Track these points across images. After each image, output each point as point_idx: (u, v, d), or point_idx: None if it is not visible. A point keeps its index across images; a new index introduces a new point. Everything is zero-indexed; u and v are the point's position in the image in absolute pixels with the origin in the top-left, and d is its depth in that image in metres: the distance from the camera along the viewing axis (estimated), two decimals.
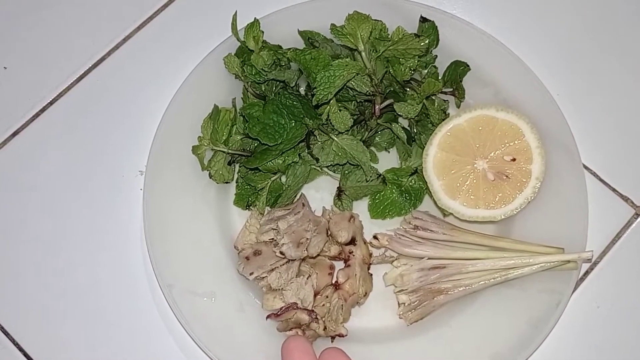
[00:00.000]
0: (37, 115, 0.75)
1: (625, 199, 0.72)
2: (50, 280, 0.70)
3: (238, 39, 0.69)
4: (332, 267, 0.67)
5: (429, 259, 0.65)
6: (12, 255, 0.71)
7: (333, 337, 0.64)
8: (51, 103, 0.75)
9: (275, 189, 0.68)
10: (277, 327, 0.64)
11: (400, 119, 0.70)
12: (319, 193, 0.71)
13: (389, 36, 0.67)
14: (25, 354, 0.68)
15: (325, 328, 0.63)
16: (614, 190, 0.72)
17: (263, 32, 0.68)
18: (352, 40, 0.65)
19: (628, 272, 0.70)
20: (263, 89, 0.69)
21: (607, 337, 0.68)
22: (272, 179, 0.68)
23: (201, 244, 0.67)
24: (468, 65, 0.70)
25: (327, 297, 0.64)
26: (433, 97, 0.69)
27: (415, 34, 0.66)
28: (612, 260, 0.70)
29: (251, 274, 0.64)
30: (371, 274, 0.67)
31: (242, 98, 0.70)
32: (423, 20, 0.70)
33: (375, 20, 0.67)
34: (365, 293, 0.66)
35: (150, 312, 0.68)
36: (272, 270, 0.65)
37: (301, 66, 0.65)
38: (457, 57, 0.70)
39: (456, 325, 0.65)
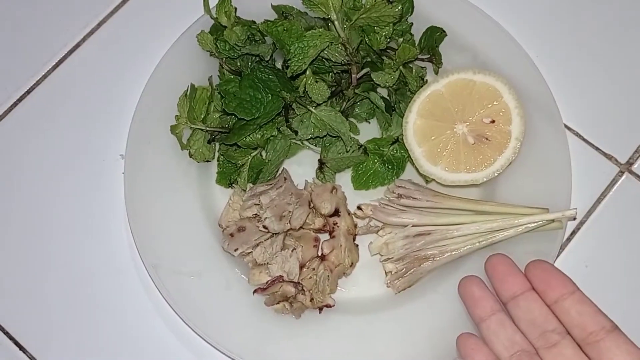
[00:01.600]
0: (14, 105, 0.75)
1: (609, 157, 0.71)
2: (35, 267, 0.70)
3: (211, 16, 0.68)
4: (317, 240, 0.66)
5: (413, 226, 0.65)
6: None
7: (321, 308, 0.64)
8: (28, 92, 0.75)
9: (256, 165, 0.68)
10: (265, 301, 0.64)
11: (378, 89, 0.69)
12: (301, 168, 0.71)
13: (362, 5, 0.66)
14: (11, 338, 0.68)
15: (312, 300, 0.63)
16: (597, 149, 0.72)
17: (235, 8, 0.68)
18: (324, 10, 0.64)
19: (615, 230, 0.70)
20: (238, 64, 0.69)
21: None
22: (253, 154, 0.68)
23: (185, 223, 0.67)
24: (444, 31, 0.69)
25: (313, 269, 0.64)
26: (410, 65, 0.69)
27: (388, 0, 0.65)
28: (598, 219, 0.70)
29: (236, 250, 0.64)
30: (357, 245, 0.67)
31: (218, 76, 0.70)
32: None
33: None
34: (352, 263, 0.66)
35: (138, 294, 0.68)
36: (257, 245, 0.65)
37: (274, 38, 0.64)
38: (433, 23, 0.70)
39: (444, 291, 0.65)
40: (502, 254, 0.59)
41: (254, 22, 0.69)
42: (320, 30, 0.64)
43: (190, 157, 0.68)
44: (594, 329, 0.53)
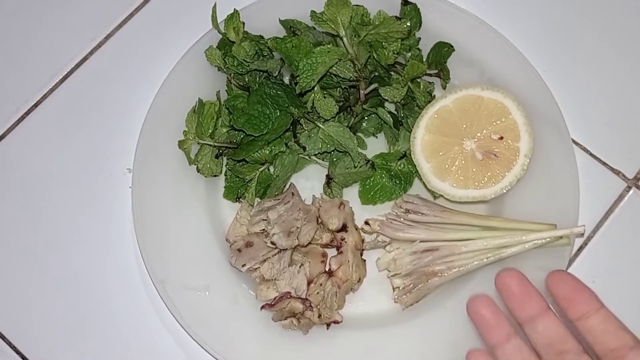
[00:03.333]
0: (22, 118, 0.75)
1: (617, 172, 0.71)
2: (42, 281, 0.70)
3: (219, 31, 0.69)
4: (324, 255, 0.66)
5: (421, 241, 0.65)
6: (1, 257, 0.70)
7: (328, 324, 0.64)
8: (36, 105, 0.75)
9: (264, 179, 0.68)
10: (272, 317, 0.64)
11: (386, 104, 0.69)
12: (309, 182, 0.71)
13: (371, 20, 0.67)
14: (18, 352, 0.68)
15: (320, 316, 0.63)
16: (604, 164, 0.72)
17: (244, 23, 0.68)
18: (333, 26, 0.64)
19: (622, 245, 0.70)
20: (246, 80, 0.69)
21: None
22: (261, 169, 0.68)
23: (192, 238, 0.67)
24: (452, 46, 0.69)
25: (320, 284, 0.64)
26: (418, 80, 0.68)
27: (396, 16, 0.65)
28: (605, 234, 0.70)
29: (243, 265, 0.64)
30: (364, 260, 0.67)
31: (226, 90, 0.70)
32: (405, 2, 0.69)
33: (356, 5, 0.66)
34: (359, 279, 0.66)
35: (145, 309, 0.68)
36: (264, 260, 0.65)
37: (283, 55, 0.64)
38: (440, 38, 0.70)
39: (452, 306, 0.65)
40: (512, 269, 0.54)
41: (262, 37, 0.69)
42: (329, 46, 0.64)
43: (198, 172, 0.68)
44: (616, 346, 0.51)
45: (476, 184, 0.66)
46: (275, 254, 0.64)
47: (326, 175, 0.69)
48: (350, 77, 0.66)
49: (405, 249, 0.65)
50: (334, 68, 0.65)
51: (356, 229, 0.67)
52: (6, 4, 0.78)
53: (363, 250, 0.67)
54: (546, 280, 0.53)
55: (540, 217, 0.65)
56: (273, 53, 0.68)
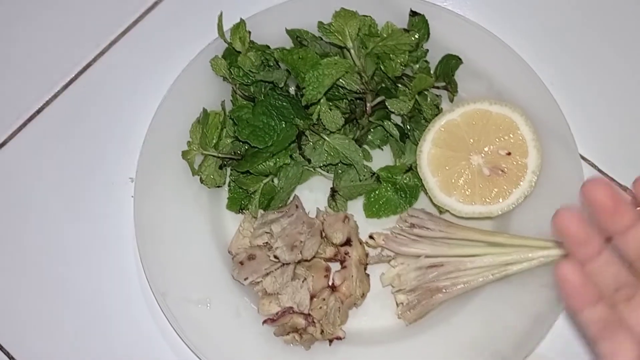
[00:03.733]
0: (24, 124, 0.74)
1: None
2: (42, 291, 0.69)
3: (225, 41, 0.68)
4: (327, 269, 0.66)
5: (426, 257, 0.64)
6: (2, 265, 0.70)
7: (331, 340, 0.63)
8: (38, 112, 0.74)
9: (267, 191, 0.67)
10: (274, 331, 0.63)
11: (392, 116, 0.69)
12: (313, 193, 0.70)
13: (379, 32, 0.66)
14: None
15: (322, 331, 0.62)
16: (612, 180, 0.71)
17: (250, 32, 0.67)
18: (340, 38, 0.63)
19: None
20: (252, 90, 0.68)
21: None
22: (265, 181, 0.67)
23: (194, 249, 0.66)
24: (460, 59, 0.68)
25: (323, 299, 0.63)
26: (425, 92, 0.68)
27: (404, 28, 0.64)
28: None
29: (246, 279, 0.64)
30: (368, 275, 0.66)
31: (231, 100, 0.69)
32: (413, 14, 0.69)
33: (364, 16, 0.66)
34: (363, 294, 0.65)
35: (146, 321, 0.67)
36: (267, 274, 0.64)
37: (289, 66, 0.64)
38: (448, 50, 0.69)
39: (456, 323, 0.64)
40: (601, 179, 0.49)
41: (268, 46, 0.68)
42: (336, 58, 0.63)
43: (202, 182, 0.67)
44: None
45: (483, 199, 0.65)
46: (278, 268, 0.64)
47: (331, 188, 0.68)
48: (357, 89, 0.65)
49: (409, 264, 0.65)
50: (341, 80, 0.64)
51: (360, 243, 0.66)
52: (8, 9, 0.78)
53: (367, 264, 0.66)
54: (634, 186, 0.50)
55: (547, 233, 0.64)
56: (279, 63, 0.67)
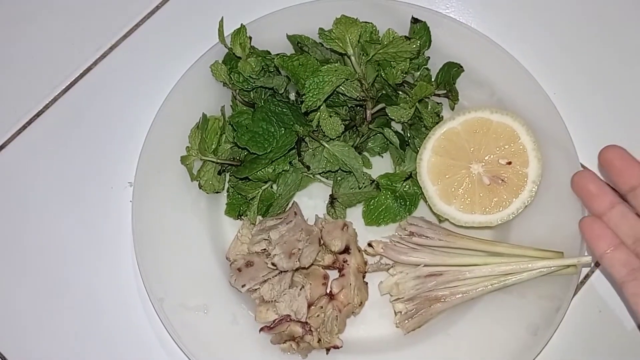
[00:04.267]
0: (23, 128, 0.74)
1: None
2: (39, 295, 0.69)
3: (225, 46, 0.68)
4: (326, 277, 0.65)
5: (425, 266, 0.64)
6: (1, 269, 0.69)
7: (328, 349, 0.63)
8: (37, 115, 0.74)
9: (266, 198, 0.67)
10: (271, 339, 0.63)
11: (393, 123, 0.68)
12: (312, 200, 0.70)
13: (380, 38, 0.65)
14: None
15: (319, 340, 0.62)
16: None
17: (251, 37, 0.67)
18: (341, 45, 0.63)
19: None
20: (252, 96, 0.68)
21: (610, 343, 0.66)
22: (263, 187, 0.67)
23: (192, 255, 0.66)
24: (461, 66, 0.68)
25: (321, 307, 0.63)
26: (426, 100, 0.67)
27: (405, 36, 0.64)
28: None
29: (243, 286, 0.63)
30: (366, 283, 0.66)
31: (231, 106, 0.69)
32: (414, 21, 0.68)
33: (365, 22, 0.65)
34: (361, 302, 0.64)
35: (143, 326, 0.67)
36: (265, 281, 0.63)
37: (289, 73, 0.63)
38: (450, 57, 0.69)
39: (454, 333, 0.64)
40: (616, 146, 0.60)
41: (268, 52, 0.68)
42: (336, 65, 0.63)
43: (200, 188, 0.67)
44: None
45: (483, 208, 0.64)
46: (275, 275, 0.63)
47: (330, 195, 0.67)
48: (357, 96, 0.65)
49: (408, 272, 0.64)
50: (341, 87, 0.64)
51: (359, 251, 0.66)
52: (9, 12, 0.78)
53: (365, 272, 0.66)
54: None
55: (546, 243, 0.64)
56: (279, 69, 0.67)
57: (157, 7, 0.77)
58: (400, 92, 0.67)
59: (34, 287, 0.69)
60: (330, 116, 0.65)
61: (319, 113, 0.64)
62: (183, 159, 0.66)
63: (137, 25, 0.76)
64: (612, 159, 0.59)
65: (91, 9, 0.77)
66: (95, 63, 0.75)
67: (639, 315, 0.56)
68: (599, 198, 0.59)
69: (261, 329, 0.63)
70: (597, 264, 0.66)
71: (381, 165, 0.70)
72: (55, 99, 0.75)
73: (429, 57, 0.69)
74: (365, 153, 0.70)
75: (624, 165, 0.59)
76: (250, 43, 0.66)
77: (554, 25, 0.76)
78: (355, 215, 0.68)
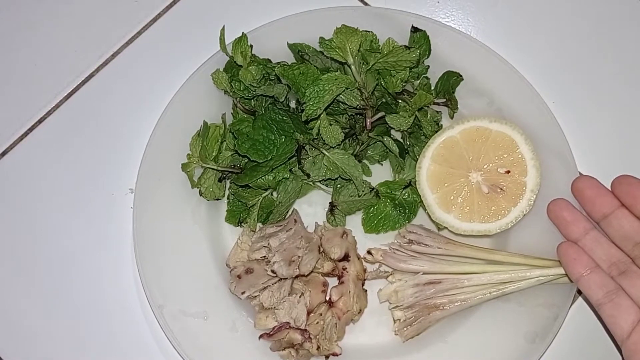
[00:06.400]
0: (25, 134, 0.74)
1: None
2: (41, 301, 0.69)
3: (226, 54, 0.68)
4: (325, 284, 0.66)
5: (424, 273, 0.64)
6: (1, 274, 0.70)
7: (327, 357, 0.63)
8: (40, 122, 0.74)
9: (266, 205, 0.67)
10: (270, 346, 0.63)
11: (392, 131, 0.69)
12: (312, 207, 0.70)
13: (380, 47, 0.66)
14: None
15: (318, 347, 0.62)
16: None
17: (252, 46, 0.67)
18: (341, 54, 0.64)
19: None
20: (252, 104, 0.68)
21: (609, 352, 0.66)
22: (264, 195, 0.67)
23: (192, 262, 0.66)
24: (461, 75, 0.69)
25: (320, 314, 0.63)
26: (425, 109, 0.68)
27: (405, 45, 0.65)
28: None
29: (243, 293, 0.63)
30: (365, 290, 0.66)
31: (231, 114, 0.69)
32: (414, 30, 0.69)
33: (365, 31, 0.66)
34: (360, 310, 0.65)
35: (142, 333, 0.67)
36: (264, 289, 0.64)
37: (289, 82, 0.64)
38: (449, 66, 0.69)
39: (453, 341, 0.64)
40: (587, 176, 0.64)
41: (269, 60, 0.68)
42: (336, 74, 0.63)
43: (201, 195, 0.67)
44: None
45: (481, 217, 0.65)
46: (275, 283, 0.64)
47: (330, 203, 0.68)
48: (357, 104, 0.65)
49: (407, 280, 0.65)
50: (341, 95, 0.64)
51: (358, 259, 0.66)
52: (12, 21, 0.78)
53: (365, 280, 0.66)
54: (612, 187, 0.62)
55: (544, 251, 0.64)
56: (280, 78, 0.67)
57: (159, 15, 0.77)
58: (400, 101, 0.67)
59: (35, 293, 0.69)
60: (331, 124, 0.65)
61: (319, 121, 0.65)
62: (184, 166, 0.66)
63: (139, 33, 0.77)
64: (582, 189, 0.62)
65: (93, 17, 0.78)
66: (97, 70, 0.76)
67: (617, 335, 0.57)
68: (573, 225, 0.62)
69: (260, 336, 0.63)
70: (579, 291, 0.66)
71: (381, 173, 0.70)
72: (57, 106, 0.75)
73: (428, 66, 0.69)
74: (365, 161, 0.70)
75: (594, 195, 0.62)
76: (251, 51, 0.67)
77: (553, 34, 0.76)
78: (354, 222, 0.69)
